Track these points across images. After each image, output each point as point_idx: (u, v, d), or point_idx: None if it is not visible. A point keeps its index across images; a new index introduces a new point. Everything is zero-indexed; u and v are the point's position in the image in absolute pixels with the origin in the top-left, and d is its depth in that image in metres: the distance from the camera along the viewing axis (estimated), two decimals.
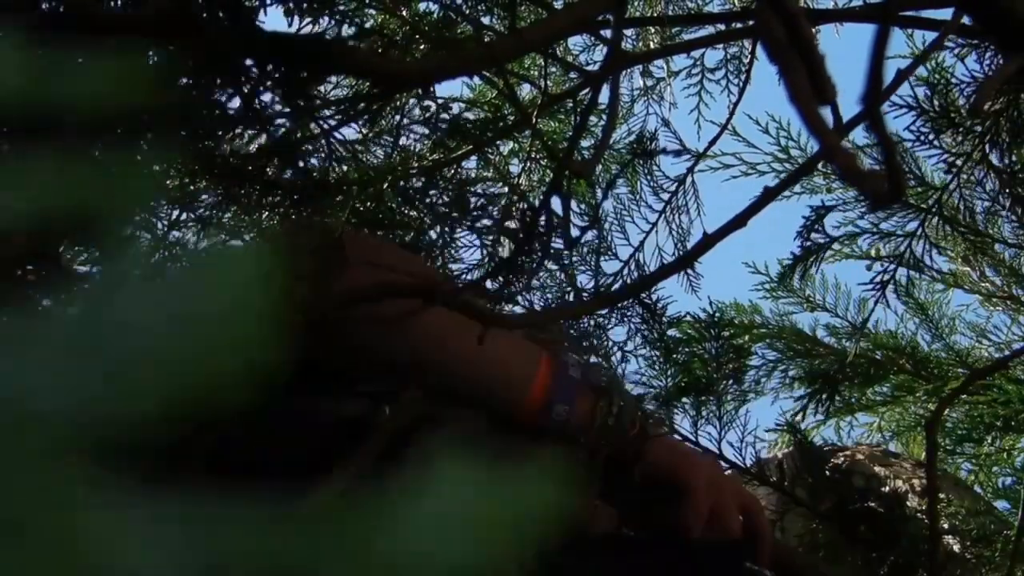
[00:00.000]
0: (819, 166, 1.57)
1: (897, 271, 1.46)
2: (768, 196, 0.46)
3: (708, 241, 0.47)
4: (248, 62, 0.95)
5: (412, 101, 1.56)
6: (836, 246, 1.63)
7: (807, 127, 0.31)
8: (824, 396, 1.63)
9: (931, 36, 1.35)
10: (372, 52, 1.04)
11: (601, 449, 0.94)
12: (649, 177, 1.78)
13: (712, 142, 1.78)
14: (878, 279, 1.44)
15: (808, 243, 1.46)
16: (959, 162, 1.32)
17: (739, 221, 0.46)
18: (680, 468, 0.97)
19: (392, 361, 0.91)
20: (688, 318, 1.62)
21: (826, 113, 0.43)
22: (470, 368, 0.91)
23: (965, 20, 1.21)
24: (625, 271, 1.74)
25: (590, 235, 1.68)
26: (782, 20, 0.38)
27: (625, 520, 1.02)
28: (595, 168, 1.51)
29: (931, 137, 1.28)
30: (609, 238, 1.75)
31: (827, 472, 1.30)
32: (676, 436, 1.50)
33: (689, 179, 1.78)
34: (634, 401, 0.98)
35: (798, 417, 1.67)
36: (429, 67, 0.70)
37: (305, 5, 1.13)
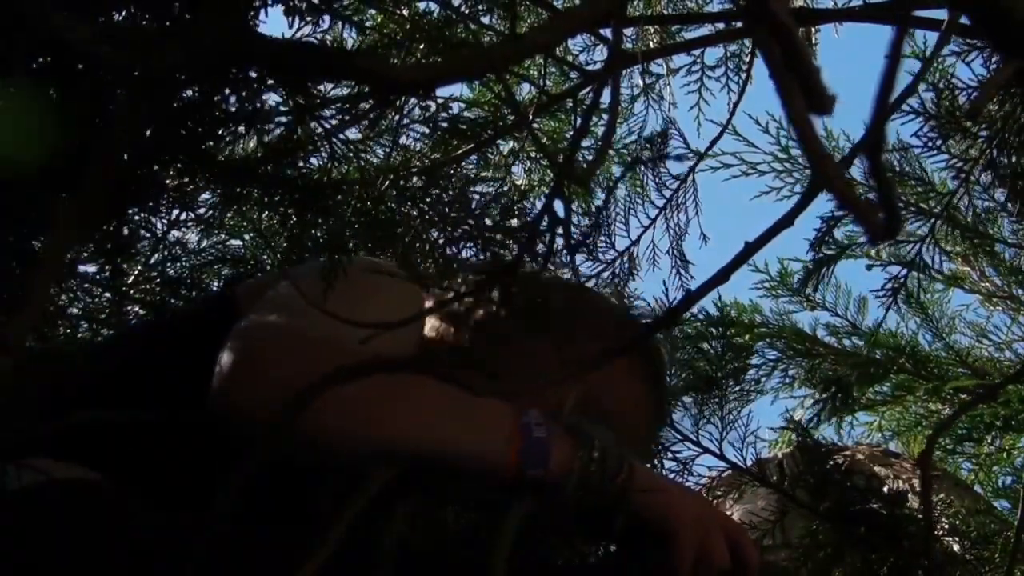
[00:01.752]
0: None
1: (908, 276, 1.45)
2: (750, 251, 0.46)
3: (691, 298, 0.48)
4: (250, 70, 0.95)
5: (412, 100, 1.55)
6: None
7: (806, 156, 0.31)
8: (837, 403, 1.63)
9: (932, 36, 1.34)
10: (372, 58, 1.04)
11: (581, 501, 0.93)
12: (654, 173, 1.78)
13: (714, 141, 1.78)
14: (890, 286, 1.44)
15: (820, 255, 1.46)
16: (966, 167, 1.31)
17: (722, 276, 0.47)
18: (663, 511, 0.96)
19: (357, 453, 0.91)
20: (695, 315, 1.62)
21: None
22: (446, 452, 0.92)
23: (965, 21, 1.20)
24: (617, 263, 1.75)
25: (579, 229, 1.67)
26: (772, 32, 0.37)
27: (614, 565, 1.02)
28: (595, 173, 1.51)
29: (938, 143, 1.27)
30: (612, 231, 1.75)
31: (828, 471, 1.30)
32: (672, 433, 1.49)
33: (690, 177, 1.78)
34: (615, 445, 0.96)
35: (811, 423, 1.67)
36: (430, 74, 0.70)
37: (305, 5, 1.13)
